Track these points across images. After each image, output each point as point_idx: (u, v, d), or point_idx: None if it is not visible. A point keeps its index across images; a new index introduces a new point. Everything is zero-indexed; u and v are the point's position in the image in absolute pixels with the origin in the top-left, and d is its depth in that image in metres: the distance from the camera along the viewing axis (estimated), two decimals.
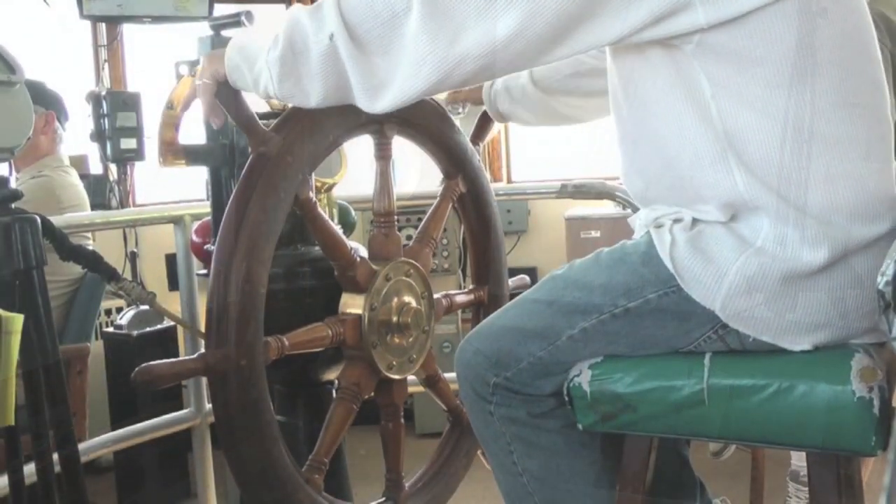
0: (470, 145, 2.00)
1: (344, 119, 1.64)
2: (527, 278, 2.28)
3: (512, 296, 2.12)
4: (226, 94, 1.49)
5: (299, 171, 1.58)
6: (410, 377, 1.89)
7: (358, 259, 1.73)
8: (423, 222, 1.95)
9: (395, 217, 1.84)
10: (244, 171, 1.55)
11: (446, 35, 1.25)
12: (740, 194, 1.29)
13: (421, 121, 1.85)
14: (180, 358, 1.58)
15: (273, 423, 1.58)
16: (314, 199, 1.65)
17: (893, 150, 1.37)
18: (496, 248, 2.11)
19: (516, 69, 1.32)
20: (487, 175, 2.09)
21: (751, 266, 1.28)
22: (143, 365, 1.47)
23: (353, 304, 1.73)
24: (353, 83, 1.33)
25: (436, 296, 1.92)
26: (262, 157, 1.54)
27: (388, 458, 1.88)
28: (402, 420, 1.90)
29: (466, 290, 2.10)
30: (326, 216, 1.71)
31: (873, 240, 1.29)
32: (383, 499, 1.89)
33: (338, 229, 1.75)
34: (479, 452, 1.92)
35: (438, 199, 1.97)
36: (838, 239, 1.27)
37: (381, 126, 1.77)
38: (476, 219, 2.07)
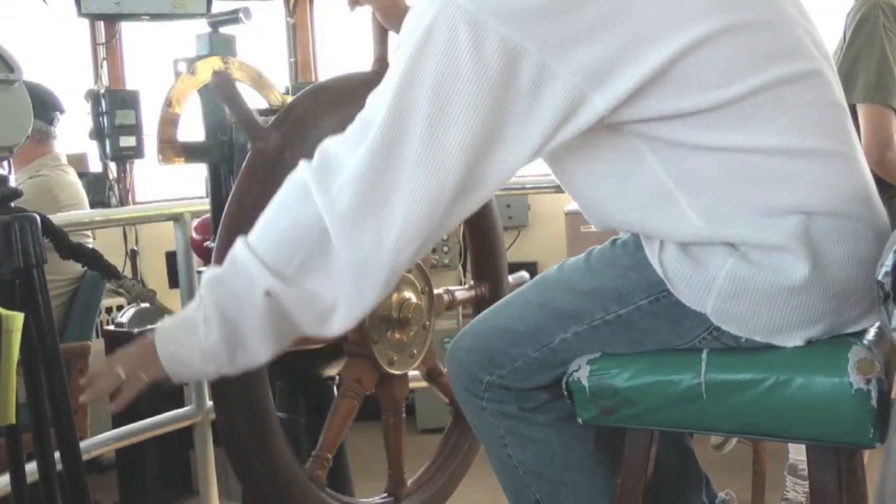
0: None
1: (340, 113, 1.64)
2: (526, 275, 2.28)
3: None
4: (225, 90, 1.48)
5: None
6: (412, 372, 1.89)
7: None
8: None
9: None
10: (243, 167, 1.55)
11: (370, 238, 1.22)
12: (698, 232, 1.28)
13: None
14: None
15: (275, 420, 1.58)
16: None
17: (853, 132, 1.35)
18: (496, 245, 2.11)
19: (454, 223, 1.30)
20: None
21: (739, 270, 1.27)
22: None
23: None
24: (302, 321, 1.30)
25: (436, 291, 1.92)
26: (261, 153, 1.54)
27: (389, 454, 1.89)
28: (404, 415, 1.90)
29: (467, 286, 2.11)
30: None
31: (849, 235, 1.28)
32: (386, 494, 1.89)
33: None
34: None
35: None
36: (806, 238, 1.25)
37: None
38: (475, 215, 2.05)
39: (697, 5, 1.21)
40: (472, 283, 2.13)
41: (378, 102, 1.23)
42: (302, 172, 1.28)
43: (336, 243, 1.24)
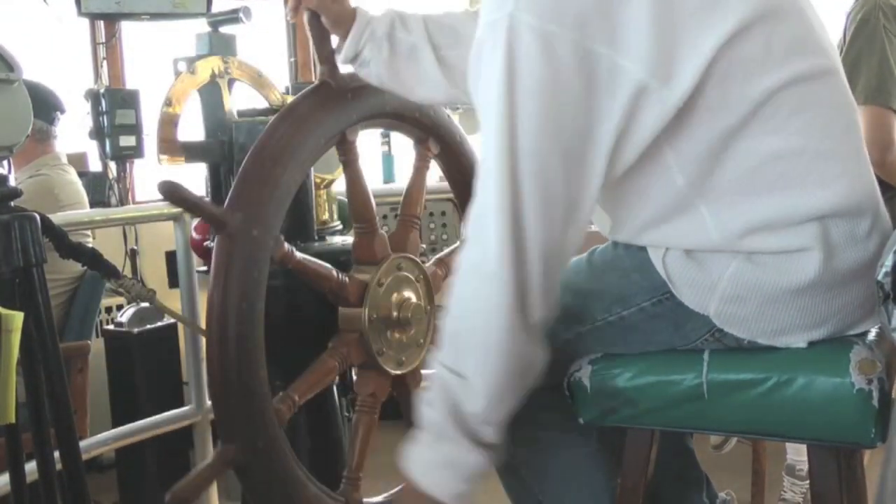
0: (439, 109, 1.91)
1: (306, 157, 1.64)
2: None
3: None
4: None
5: (269, 238, 1.56)
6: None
7: (346, 281, 1.72)
8: (401, 203, 1.91)
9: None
10: (215, 255, 1.54)
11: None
12: (713, 241, 1.27)
13: (378, 108, 1.78)
14: (200, 466, 1.61)
15: (307, 490, 1.59)
16: (290, 249, 1.64)
17: (860, 130, 1.35)
18: None
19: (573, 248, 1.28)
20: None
21: (743, 273, 1.27)
22: (174, 489, 1.48)
23: (352, 321, 1.74)
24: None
25: (428, 266, 1.90)
26: (229, 238, 1.52)
27: None
28: None
29: (456, 245, 2.04)
30: (304, 256, 1.70)
31: (860, 236, 1.28)
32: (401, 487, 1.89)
33: (318, 262, 1.73)
34: None
35: (412, 171, 1.92)
36: (823, 242, 1.25)
37: (344, 133, 1.72)
38: (458, 172, 2.01)
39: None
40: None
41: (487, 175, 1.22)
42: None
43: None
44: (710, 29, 1.19)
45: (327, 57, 1.68)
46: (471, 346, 1.23)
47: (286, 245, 1.63)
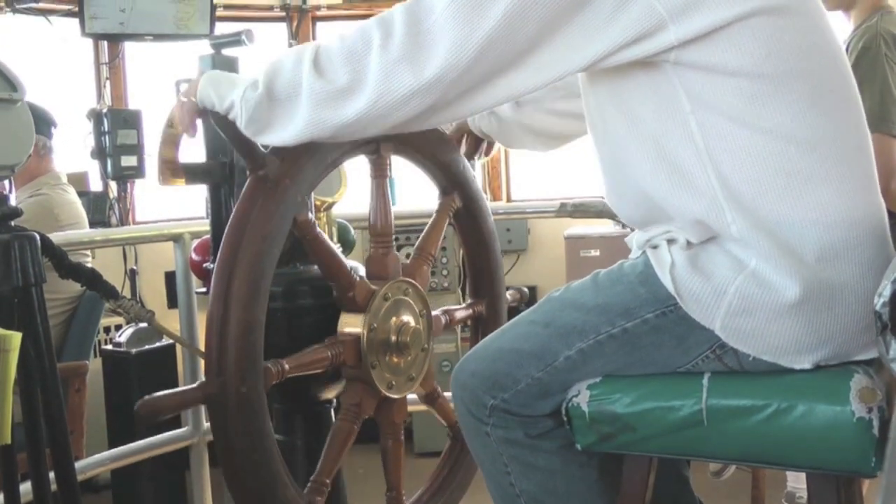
0: (465, 161, 2.01)
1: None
2: (525, 291, 2.28)
3: (509, 309, 2.13)
4: (223, 117, 1.48)
5: (297, 194, 1.58)
6: (410, 396, 1.88)
7: (357, 279, 1.72)
8: (419, 239, 1.95)
9: (394, 236, 1.84)
10: (242, 195, 1.54)
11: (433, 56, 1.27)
12: (722, 211, 1.30)
13: (418, 140, 1.85)
14: (180, 388, 1.57)
15: (274, 449, 1.57)
16: (313, 219, 1.65)
17: (871, 153, 1.38)
18: (493, 262, 2.11)
19: (497, 96, 1.32)
20: (486, 195, 2.09)
21: (749, 286, 1.28)
22: (146, 398, 1.47)
23: (352, 324, 1.73)
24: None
25: (434, 312, 1.92)
26: (261, 180, 1.54)
27: (388, 477, 1.87)
28: (403, 439, 1.89)
29: (465, 304, 2.10)
30: (325, 237, 1.71)
31: (867, 251, 1.29)
32: None
33: (337, 250, 1.75)
34: None
35: (435, 215, 1.98)
36: (832, 256, 1.27)
37: (378, 146, 1.77)
38: (473, 233, 2.07)
39: None
40: (469, 300, 2.12)
41: None
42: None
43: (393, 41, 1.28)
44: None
45: None
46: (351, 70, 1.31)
47: (310, 215, 1.64)
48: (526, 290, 2.31)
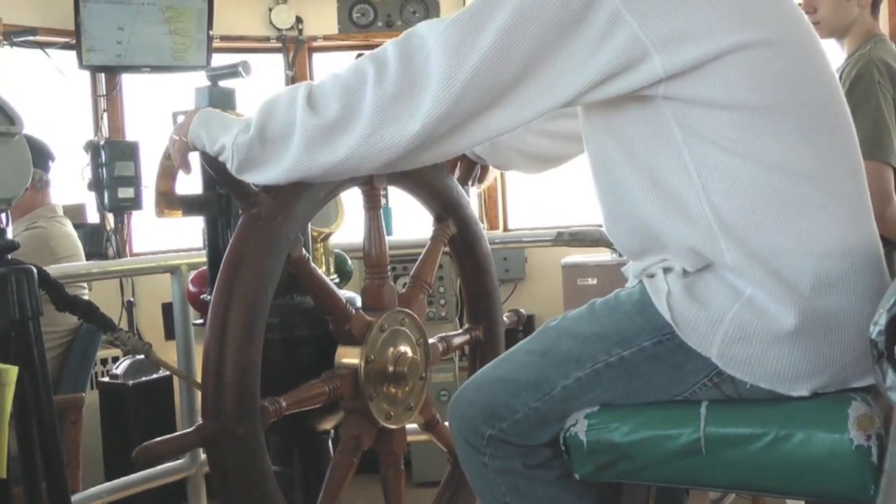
0: (459, 187, 2.01)
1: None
2: (522, 312, 2.28)
3: (507, 331, 2.13)
4: (211, 158, 1.49)
5: (291, 231, 1.57)
6: (409, 425, 1.87)
7: (353, 312, 1.72)
8: (415, 267, 1.95)
9: (389, 266, 1.84)
10: (235, 234, 1.53)
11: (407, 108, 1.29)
12: (716, 240, 1.30)
13: (411, 168, 1.85)
14: (178, 433, 1.57)
15: (273, 486, 1.56)
16: (307, 256, 1.65)
17: (864, 181, 1.39)
18: (490, 286, 2.11)
19: (484, 133, 1.33)
20: (483, 224, 2.10)
21: (745, 314, 1.28)
22: (144, 444, 1.46)
23: (349, 357, 1.73)
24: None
25: (431, 340, 1.92)
26: (253, 218, 1.54)
27: None
28: (403, 468, 1.89)
29: (461, 330, 2.10)
30: (320, 271, 1.71)
31: (862, 278, 1.29)
32: None
33: (332, 283, 1.75)
34: None
35: (430, 242, 1.97)
36: (827, 284, 1.28)
37: (371, 177, 1.77)
38: (469, 258, 2.07)
39: (762, 14, 1.31)
40: (467, 325, 2.12)
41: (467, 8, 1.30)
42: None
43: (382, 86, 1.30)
44: (731, 33, 1.26)
45: None
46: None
47: (304, 250, 1.64)
48: (523, 311, 2.30)
